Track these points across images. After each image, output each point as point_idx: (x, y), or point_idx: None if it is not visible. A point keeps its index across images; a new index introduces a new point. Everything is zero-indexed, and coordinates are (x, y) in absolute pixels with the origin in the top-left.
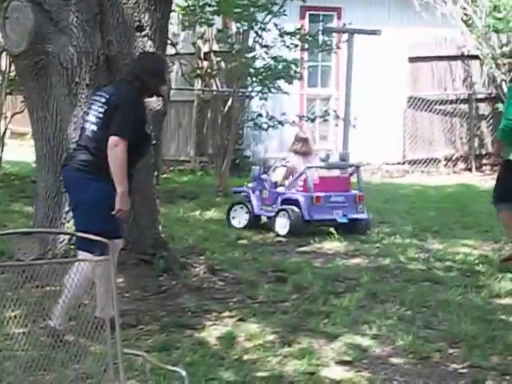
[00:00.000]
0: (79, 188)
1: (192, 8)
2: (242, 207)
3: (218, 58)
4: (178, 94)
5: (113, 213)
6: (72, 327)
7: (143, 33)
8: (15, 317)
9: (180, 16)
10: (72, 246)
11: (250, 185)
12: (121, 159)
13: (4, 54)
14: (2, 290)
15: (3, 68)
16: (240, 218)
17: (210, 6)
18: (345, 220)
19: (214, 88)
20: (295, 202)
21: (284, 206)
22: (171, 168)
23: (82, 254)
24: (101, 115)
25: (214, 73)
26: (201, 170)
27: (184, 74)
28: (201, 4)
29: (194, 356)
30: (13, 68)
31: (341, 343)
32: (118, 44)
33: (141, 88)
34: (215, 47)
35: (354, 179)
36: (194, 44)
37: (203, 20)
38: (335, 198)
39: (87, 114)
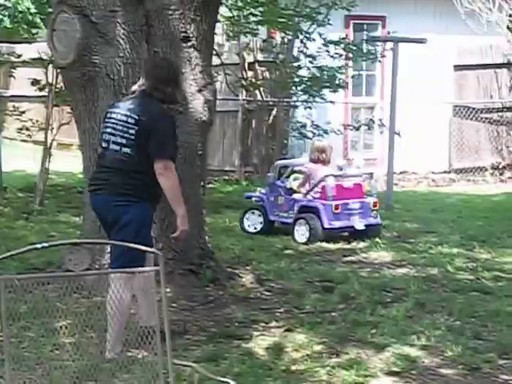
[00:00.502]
0: (119, 211)
1: (237, 18)
2: (255, 212)
3: (263, 68)
4: (222, 104)
5: (175, 235)
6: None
7: (189, 43)
8: (65, 327)
9: (225, 26)
10: None
11: (263, 190)
12: (175, 182)
13: (51, 65)
14: (47, 298)
15: (50, 80)
16: (254, 223)
17: (254, 16)
18: (363, 227)
19: (259, 98)
20: (314, 210)
21: (303, 214)
22: (216, 178)
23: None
24: (132, 137)
25: (259, 83)
26: (246, 180)
27: (229, 84)
28: (245, 14)
29: (242, 366)
30: (59, 80)
31: (389, 354)
32: (164, 55)
33: (162, 99)
34: (260, 57)
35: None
36: (238, 54)
37: (248, 30)
38: (352, 205)
39: (111, 134)
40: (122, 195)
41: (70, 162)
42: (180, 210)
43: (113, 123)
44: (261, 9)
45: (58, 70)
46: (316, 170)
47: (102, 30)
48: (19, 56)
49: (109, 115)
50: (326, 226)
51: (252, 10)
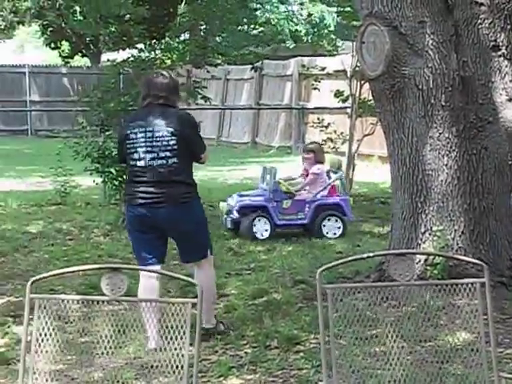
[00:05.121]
0: (184, 219)
1: None
2: (259, 219)
3: None
4: None
5: None
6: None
7: (499, 52)
8: (376, 336)
9: None
10: (428, 267)
11: (259, 197)
12: None
13: (354, 77)
14: (358, 307)
15: (353, 91)
16: (261, 230)
17: None
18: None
19: None
20: (335, 207)
21: (329, 212)
22: None
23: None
24: (175, 147)
25: None
26: None
27: None
28: None
29: None
30: (362, 91)
31: None
32: (474, 65)
33: (174, 106)
34: None
35: None
36: None
37: None
38: None
39: (146, 152)
40: (183, 204)
41: (370, 173)
42: None
43: (144, 142)
44: None
45: (362, 82)
46: (324, 171)
47: (411, 41)
48: (323, 69)
49: (132, 136)
50: (351, 219)
51: None
